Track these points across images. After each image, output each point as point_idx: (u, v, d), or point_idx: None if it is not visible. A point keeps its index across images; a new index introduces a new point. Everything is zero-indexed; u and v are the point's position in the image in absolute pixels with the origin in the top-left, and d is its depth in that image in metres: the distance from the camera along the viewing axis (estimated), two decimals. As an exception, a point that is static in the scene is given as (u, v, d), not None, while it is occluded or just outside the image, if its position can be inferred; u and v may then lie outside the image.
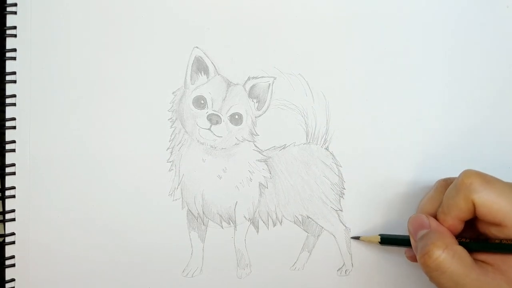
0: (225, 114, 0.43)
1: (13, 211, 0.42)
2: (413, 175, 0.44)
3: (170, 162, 0.43)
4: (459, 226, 0.37)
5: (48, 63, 0.42)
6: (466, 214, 0.36)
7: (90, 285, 0.43)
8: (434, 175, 0.44)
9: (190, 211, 0.43)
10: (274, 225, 0.44)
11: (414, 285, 0.44)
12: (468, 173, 0.35)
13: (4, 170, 0.42)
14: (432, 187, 0.41)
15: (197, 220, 0.43)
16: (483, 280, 0.34)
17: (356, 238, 0.43)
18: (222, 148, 0.43)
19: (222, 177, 0.43)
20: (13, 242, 0.43)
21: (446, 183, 0.39)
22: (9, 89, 0.42)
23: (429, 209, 0.39)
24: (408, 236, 0.39)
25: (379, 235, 0.42)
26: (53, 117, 0.42)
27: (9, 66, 0.42)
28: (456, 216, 0.36)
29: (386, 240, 0.42)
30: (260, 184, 0.43)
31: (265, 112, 0.43)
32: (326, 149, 0.44)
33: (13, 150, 0.42)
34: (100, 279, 0.43)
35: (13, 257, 0.43)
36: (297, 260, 0.44)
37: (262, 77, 0.43)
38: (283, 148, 0.43)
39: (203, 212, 0.43)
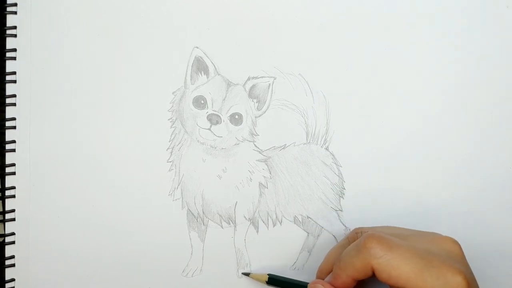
0: (225, 114, 0.43)
1: (13, 211, 0.43)
2: (413, 174, 0.44)
3: (170, 162, 0.43)
4: (352, 284, 0.37)
5: (48, 63, 0.42)
6: (362, 275, 0.36)
7: (90, 285, 0.43)
8: (434, 174, 0.44)
9: (190, 211, 0.43)
10: (274, 225, 0.44)
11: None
12: (370, 237, 0.35)
13: (4, 170, 0.42)
14: (345, 236, 0.41)
15: (197, 220, 0.43)
16: None
17: (246, 274, 0.43)
18: (222, 148, 0.43)
19: (222, 177, 0.43)
20: (13, 242, 0.43)
21: (357, 235, 0.39)
22: (9, 89, 0.42)
23: (335, 259, 0.38)
24: (296, 282, 0.41)
25: (268, 274, 0.42)
26: (53, 117, 0.42)
27: (9, 66, 0.42)
28: (351, 275, 0.36)
29: (274, 282, 0.41)
30: (260, 184, 0.43)
31: (265, 112, 0.43)
32: (326, 149, 0.44)
33: (13, 150, 0.42)
34: (100, 279, 0.43)
35: (13, 257, 0.43)
36: (297, 260, 0.44)
37: (262, 77, 0.43)
38: (283, 148, 0.43)
39: (203, 212, 0.43)
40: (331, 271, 0.38)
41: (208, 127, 0.43)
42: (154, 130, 0.43)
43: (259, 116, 0.43)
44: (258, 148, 0.43)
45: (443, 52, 0.44)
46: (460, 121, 0.44)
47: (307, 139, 0.44)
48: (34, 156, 0.42)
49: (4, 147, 0.42)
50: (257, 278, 0.42)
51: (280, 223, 0.44)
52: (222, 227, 0.44)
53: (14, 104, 0.42)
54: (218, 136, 0.43)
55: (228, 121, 0.43)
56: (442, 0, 0.44)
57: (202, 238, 0.43)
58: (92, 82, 0.43)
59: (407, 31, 0.44)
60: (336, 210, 0.44)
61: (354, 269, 0.35)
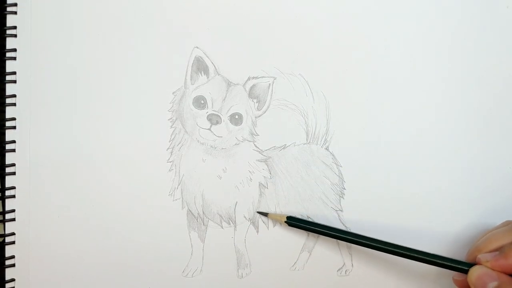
0: (225, 114, 0.43)
1: (13, 211, 0.42)
2: (414, 174, 0.44)
3: (170, 162, 0.43)
4: None
5: (48, 63, 0.42)
6: None
7: (90, 285, 0.43)
8: (434, 174, 0.44)
9: (190, 211, 0.43)
10: (274, 225, 0.44)
11: (414, 286, 0.44)
12: None
13: (4, 170, 0.42)
14: (500, 224, 0.41)
15: (197, 220, 0.43)
16: None
17: (264, 214, 0.43)
18: (222, 148, 0.43)
19: (222, 177, 0.43)
20: (13, 242, 0.43)
21: None
22: (9, 89, 0.42)
23: (495, 246, 0.39)
24: (316, 224, 0.42)
25: (287, 217, 0.42)
26: (53, 117, 0.42)
27: (9, 66, 0.42)
28: None
29: (293, 222, 0.42)
30: (260, 184, 0.43)
31: (265, 112, 0.43)
32: (326, 149, 0.44)
33: (13, 150, 0.42)
34: (100, 279, 0.43)
35: (13, 257, 0.43)
36: (297, 260, 0.44)
37: (262, 77, 0.43)
38: (283, 148, 0.43)
39: (203, 212, 0.43)
40: (491, 251, 0.39)
41: (208, 127, 0.43)
42: (154, 130, 0.43)
43: (259, 116, 0.43)
44: (258, 148, 0.43)
45: (443, 52, 0.44)
46: (461, 121, 0.44)
47: (307, 139, 0.44)
48: (34, 156, 0.42)
49: (4, 147, 0.42)
50: (275, 218, 0.43)
51: (280, 223, 0.44)
52: (222, 227, 0.44)
53: (14, 104, 0.42)
54: (218, 136, 0.43)
55: (228, 121, 0.43)
56: (442, 0, 0.44)
57: (202, 238, 0.43)
58: (92, 82, 0.43)
59: (407, 31, 0.44)
60: (336, 210, 0.44)
61: None
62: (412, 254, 0.39)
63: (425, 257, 0.39)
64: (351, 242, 0.41)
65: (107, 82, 0.43)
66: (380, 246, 0.40)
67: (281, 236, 0.44)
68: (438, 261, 0.39)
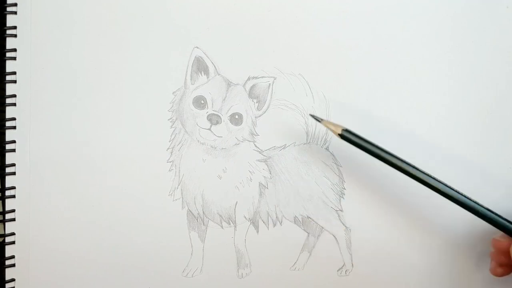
0: (225, 114, 0.43)
1: (13, 211, 0.43)
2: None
3: (170, 162, 0.43)
4: None
5: (48, 63, 0.42)
6: None
7: (90, 285, 0.43)
8: (434, 174, 0.44)
9: (190, 211, 0.43)
10: (274, 225, 0.44)
11: (413, 286, 0.44)
12: None
13: (4, 170, 0.42)
14: None
15: (197, 220, 0.43)
16: None
17: (319, 120, 0.40)
18: (222, 148, 0.43)
19: (222, 177, 0.43)
20: (13, 242, 0.43)
21: None
22: (9, 89, 0.42)
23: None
24: (371, 143, 0.39)
25: (342, 129, 0.39)
26: (53, 117, 0.42)
27: (9, 66, 0.42)
28: None
29: (348, 136, 0.39)
30: (260, 184, 0.43)
31: (265, 112, 0.43)
32: (326, 149, 0.44)
33: (13, 150, 0.42)
34: (100, 279, 0.43)
35: (13, 257, 0.43)
36: (297, 260, 0.44)
37: (262, 77, 0.43)
38: (283, 148, 0.43)
39: (203, 212, 0.43)
40: None
41: (208, 127, 0.43)
42: (154, 130, 0.43)
43: (259, 116, 0.43)
44: (258, 148, 0.43)
45: (443, 52, 0.44)
46: (461, 121, 0.44)
47: (307, 139, 0.44)
48: (34, 156, 0.42)
49: (4, 147, 0.42)
50: (329, 127, 0.40)
51: (280, 223, 0.44)
52: (222, 227, 0.44)
53: (14, 104, 0.42)
54: (218, 136, 0.43)
55: (228, 121, 0.43)
56: (442, 0, 0.44)
57: (202, 238, 0.43)
58: (92, 82, 0.43)
59: (407, 31, 0.44)
60: (336, 210, 0.44)
61: None
62: (468, 203, 0.39)
63: (480, 209, 0.39)
64: (402, 171, 0.39)
65: (107, 82, 0.43)
66: (436, 187, 0.39)
67: (281, 236, 0.44)
68: (492, 216, 0.39)
